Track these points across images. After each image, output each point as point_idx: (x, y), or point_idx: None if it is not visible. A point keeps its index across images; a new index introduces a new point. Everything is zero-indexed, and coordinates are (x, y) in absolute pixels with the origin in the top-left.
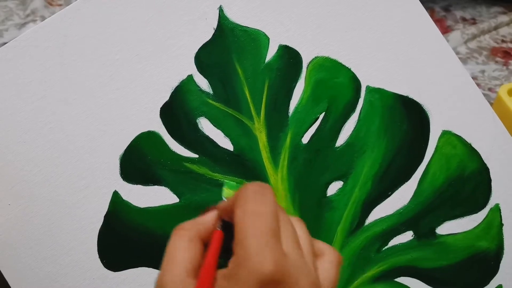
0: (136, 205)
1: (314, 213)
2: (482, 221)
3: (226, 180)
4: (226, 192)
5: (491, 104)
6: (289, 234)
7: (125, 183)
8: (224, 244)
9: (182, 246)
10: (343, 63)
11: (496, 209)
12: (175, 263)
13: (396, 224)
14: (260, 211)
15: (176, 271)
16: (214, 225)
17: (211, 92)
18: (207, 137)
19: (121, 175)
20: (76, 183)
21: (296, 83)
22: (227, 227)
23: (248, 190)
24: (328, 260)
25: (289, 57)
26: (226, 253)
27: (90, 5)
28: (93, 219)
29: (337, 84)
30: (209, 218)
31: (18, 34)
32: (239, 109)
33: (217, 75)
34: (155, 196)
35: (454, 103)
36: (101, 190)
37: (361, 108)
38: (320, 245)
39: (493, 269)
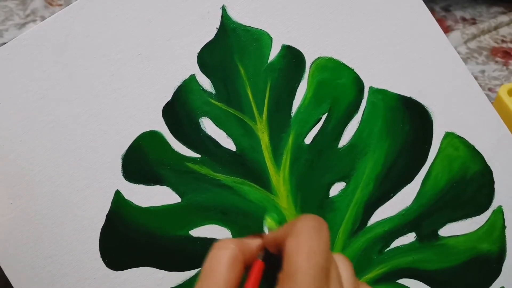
0: (138, 204)
1: (316, 214)
2: (484, 223)
3: (269, 214)
4: (269, 223)
5: (491, 104)
6: (335, 274)
7: (127, 182)
8: (263, 276)
9: (226, 262)
10: (346, 63)
11: (499, 211)
12: (216, 280)
13: (398, 226)
14: (315, 248)
15: (216, 287)
16: (257, 253)
17: (214, 92)
18: (209, 137)
19: (123, 175)
20: (77, 182)
21: (298, 84)
22: (268, 259)
23: (304, 223)
24: None
25: (292, 57)
26: (263, 285)
27: (92, 4)
28: (95, 219)
29: (340, 85)
30: (255, 243)
31: (18, 34)
32: (241, 109)
33: (220, 75)
34: (157, 196)
35: (458, 105)
36: (103, 190)
37: (364, 109)
38: (357, 283)
39: (495, 272)
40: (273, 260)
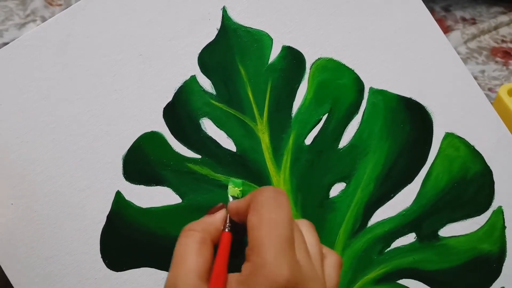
0: (139, 205)
1: (317, 215)
2: (485, 224)
3: (232, 178)
4: (232, 190)
5: (491, 104)
6: (300, 242)
7: (128, 183)
8: (233, 244)
9: (193, 248)
10: (347, 64)
11: (499, 211)
12: (186, 267)
13: (398, 226)
14: (277, 218)
15: (188, 275)
16: (223, 226)
17: (214, 92)
18: (210, 138)
19: (124, 175)
20: (78, 183)
21: (299, 84)
22: (235, 226)
23: (264, 195)
24: (329, 263)
25: (292, 58)
26: (234, 252)
27: (94, 5)
28: (96, 219)
29: (340, 86)
30: (218, 218)
31: (18, 34)
32: (242, 110)
33: (220, 76)
34: (157, 197)
35: (458, 105)
36: (104, 190)
37: (364, 109)
38: (328, 253)
39: (496, 272)
40: (240, 227)
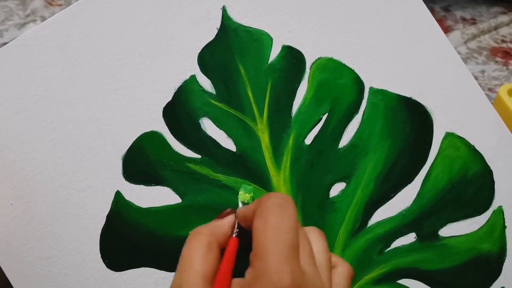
0: (139, 205)
1: (317, 215)
2: (485, 224)
3: (243, 183)
4: (243, 196)
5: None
6: (306, 250)
7: (127, 183)
8: (240, 249)
9: (200, 252)
10: (347, 64)
11: (499, 211)
12: (192, 270)
13: (398, 226)
14: (281, 225)
15: (194, 279)
16: (231, 231)
17: (214, 92)
18: (210, 138)
19: (123, 175)
20: (78, 183)
21: (299, 84)
22: (243, 232)
23: (270, 202)
24: (340, 273)
25: (292, 57)
26: (241, 258)
27: (93, 5)
28: (95, 219)
29: (340, 85)
30: (226, 223)
31: (18, 34)
32: (242, 110)
33: (220, 75)
34: (157, 197)
35: (458, 105)
36: (104, 190)
37: (364, 109)
38: (333, 258)
39: (496, 272)
40: (248, 234)
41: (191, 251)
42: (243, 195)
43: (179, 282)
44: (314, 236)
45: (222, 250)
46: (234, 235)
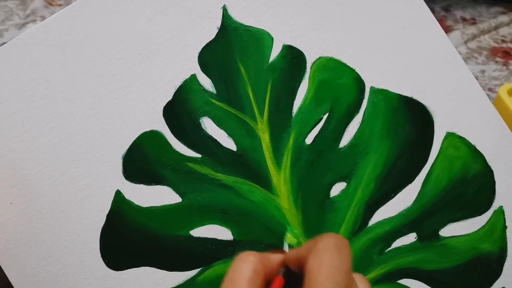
0: (139, 204)
1: (317, 214)
2: (485, 224)
3: (289, 226)
4: (290, 239)
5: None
6: None
7: (127, 182)
8: None
9: (248, 276)
10: (347, 63)
11: (500, 211)
12: None
13: (399, 226)
14: (337, 266)
15: None
16: (278, 269)
17: (214, 91)
18: (210, 137)
19: (123, 174)
20: (78, 182)
21: (299, 84)
22: (288, 276)
23: (327, 241)
24: None
25: (293, 57)
26: None
27: (93, 4)
28: (95, 219)
29: (341, 85)
30: (275, 258)
31: (18, 34)
32: (242, 109)
33: (221, 75)
34: (157, 196)
35: (459, 105)
36: (104, 190)
37: (365, 109)
38: None
39: (496, 272)
40: (293, 278)
41: (238, 272)
42: (290, 238)
43: None
44: (362, 284)
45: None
46: (280, 275)
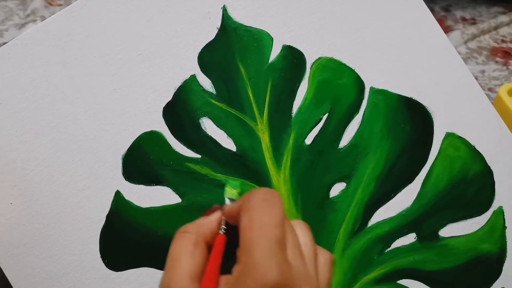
0: (138, 205)
1: (317, 215)
2: (485, 224)
3: (229, 179)
4: (229, 192)
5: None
6: (293, 243)
7: (127, 183)
8: (227, 246)
9: (187, 250)
10: (347, 64)
11: (500, 211)
12: (180, 269)
13: (399, 226)
14: (268, 220)
15: (181, 277)
16: (218, 228)
17: (214, 92)
18: (210, 137)
19: (123, 175)
20: (78, 182)
21: (299, 84)
22: (230, 229)
23: (256, 197)
24: (321, 262)
25: (292, 57)
26: (230, 255)
27: (93, 4)
28: (95, 219)
29: (340, 85)
30: (213, 220)
31: (18, 34)
32: (242, 110)
33: (220, 75)
34: (157, 196)
35: (458, 105)
36: (103, 190)
37: (365, 109)
38: (322, 252)
39: (496, 272)
40: (236, 230)
41: (178, 250)
42: (230, 191)
43: (168, 282)
44: (301, 230)
45: (210, 248)
46: (221, 232)
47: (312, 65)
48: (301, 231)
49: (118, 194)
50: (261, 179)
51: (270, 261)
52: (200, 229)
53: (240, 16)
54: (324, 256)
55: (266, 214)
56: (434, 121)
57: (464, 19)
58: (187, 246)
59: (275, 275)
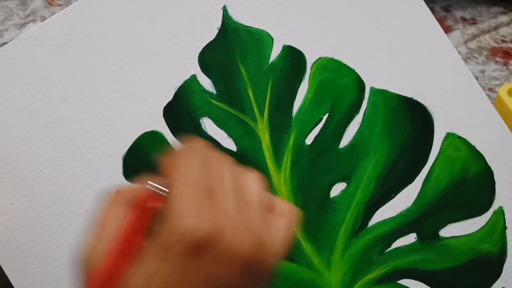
0: None
1: (317, 215)
2: (485, 224)
3: None
4: None
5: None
6: (231, 190)
7: (127, 182)
8: None
9: (116, 211)
10: (347, 64)
11: (500, 212)
12: (104, 233)
13: (399, 226)
14: (188, 165)
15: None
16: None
17: (215, 92)
18: (210, 138)
19: (123, 175)
20: (78, 182)
21: (300, 84)
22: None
23: (181, 146)
24: (283, 219)
25: (293, 57)
26: None
27: (94, 4)
28: None
29: (341, 85)
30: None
31: (18, 34)
32: (243, 110)
33: (221, 75)
34: None
35: (459, 105)
36: (104, 190)
37: (365, 109)
38: (282, 204)
39: (496, 272)
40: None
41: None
42: None
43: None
44: (249, 178)
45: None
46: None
47: (312, 65)
48: (251, 179)
49: None
50: None
51: (189, 207)
52: (131, 190)
53: (240, 16)
54: (282, 206)
55: (188, 158)
56: (434, 121)
57: (464, 19)
58: (117, 208)
59: (194, 222)
